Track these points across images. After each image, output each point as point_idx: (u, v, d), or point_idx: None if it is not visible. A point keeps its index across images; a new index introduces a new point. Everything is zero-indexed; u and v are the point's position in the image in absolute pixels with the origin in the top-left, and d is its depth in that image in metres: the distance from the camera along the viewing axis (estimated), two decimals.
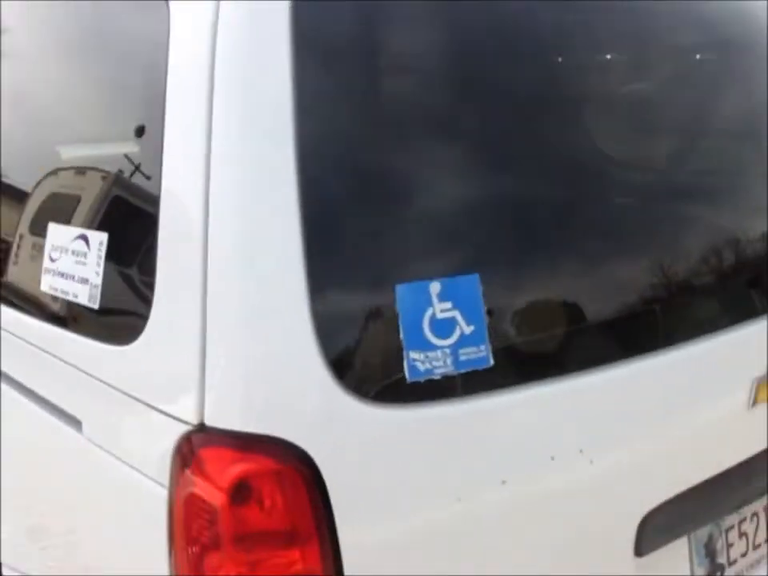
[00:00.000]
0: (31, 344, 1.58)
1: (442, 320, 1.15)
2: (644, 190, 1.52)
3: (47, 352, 1.52)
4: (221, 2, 1.13)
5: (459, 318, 1.16)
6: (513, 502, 1.24)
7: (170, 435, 1.16)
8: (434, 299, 1.15)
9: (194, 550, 1.12)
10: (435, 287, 1.15)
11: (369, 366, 1.16)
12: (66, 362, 1.45)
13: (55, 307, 1.53)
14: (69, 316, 1.50)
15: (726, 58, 1.73)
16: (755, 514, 1.69)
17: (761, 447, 1.58)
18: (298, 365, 1.10)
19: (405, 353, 1.13)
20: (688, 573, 1.57)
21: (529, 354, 1.29)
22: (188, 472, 1.13)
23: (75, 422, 1.42)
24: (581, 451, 1.29)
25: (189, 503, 1.13)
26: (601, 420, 1.33)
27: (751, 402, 1.51)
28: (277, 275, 1.10)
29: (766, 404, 1.55)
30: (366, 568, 1.14)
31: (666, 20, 1.59)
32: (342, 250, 1.15)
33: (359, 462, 1.14)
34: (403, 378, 1.13)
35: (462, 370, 1.16)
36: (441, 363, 1.15)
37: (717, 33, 1.72)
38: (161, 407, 1.20)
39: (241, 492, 1.08)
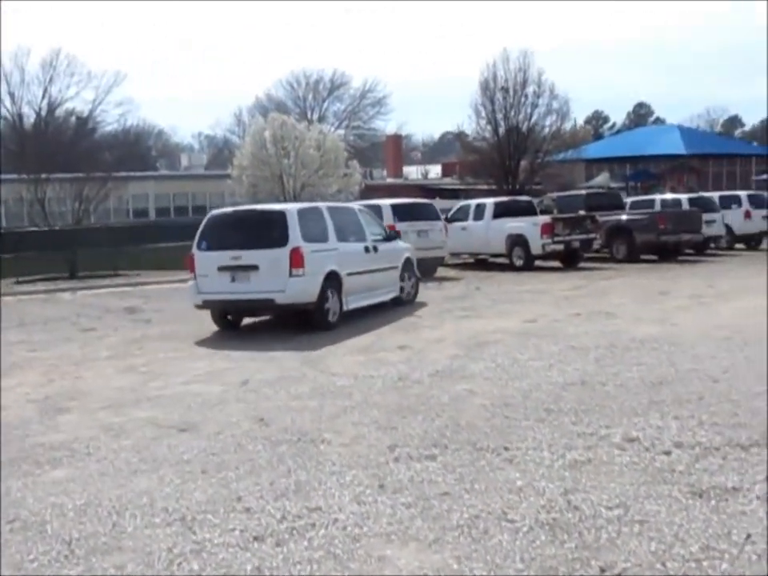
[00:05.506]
0: None
1: (207, 245, 12.38)
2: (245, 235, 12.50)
3: None
4: None
5: (205, 245, 12.39)
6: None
7: None
8: (209, 252, 12.27)
9: None
10: (204, 252, 12.39)
11: (208, 247, 12.35)
12: None
13: None
14: None
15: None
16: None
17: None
18: (199, 252, 12.49)
19: (203, 246, 12.45)
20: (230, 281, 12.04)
21: (219, 245, 12.29)
22: None
23: None
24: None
25: None
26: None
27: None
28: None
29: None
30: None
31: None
32: (209, 239, 12.45)
33: (199, 260, 12.39)
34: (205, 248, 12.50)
35: (205, 250, 12.38)
36: (204, 246, 12.37)
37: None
38: None
39: None
